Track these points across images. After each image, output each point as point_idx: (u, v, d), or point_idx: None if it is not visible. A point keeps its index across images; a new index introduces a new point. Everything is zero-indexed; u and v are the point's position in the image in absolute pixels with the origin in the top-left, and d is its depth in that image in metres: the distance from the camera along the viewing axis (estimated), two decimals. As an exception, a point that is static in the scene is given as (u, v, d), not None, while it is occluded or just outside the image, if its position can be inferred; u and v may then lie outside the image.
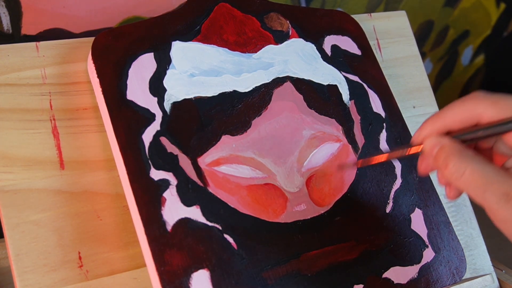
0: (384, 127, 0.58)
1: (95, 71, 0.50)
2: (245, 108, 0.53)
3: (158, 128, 0.49)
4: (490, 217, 0.39)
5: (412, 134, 0.59)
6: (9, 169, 0.48)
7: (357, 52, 0.61)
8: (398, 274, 0.52)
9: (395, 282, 0.52)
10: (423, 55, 0.96)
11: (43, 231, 0.47)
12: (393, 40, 0.66)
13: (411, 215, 0.55)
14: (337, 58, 0.59)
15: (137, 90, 0.50)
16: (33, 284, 0.46)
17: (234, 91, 0.53)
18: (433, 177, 0.59)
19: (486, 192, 0.38)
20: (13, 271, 0.46)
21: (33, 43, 0.51)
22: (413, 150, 0.44)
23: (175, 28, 0.54)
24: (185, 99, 0.51)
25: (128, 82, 0.50)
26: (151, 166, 0.48)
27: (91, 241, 0.48)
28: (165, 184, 0.48)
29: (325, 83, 0.57)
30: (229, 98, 0.53)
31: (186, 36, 0.54)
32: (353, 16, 0.63)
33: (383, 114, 0.58)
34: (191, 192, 0.48)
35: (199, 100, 0.52)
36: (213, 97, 0.52)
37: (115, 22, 0.64)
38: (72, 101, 0.51)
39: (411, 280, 0.53)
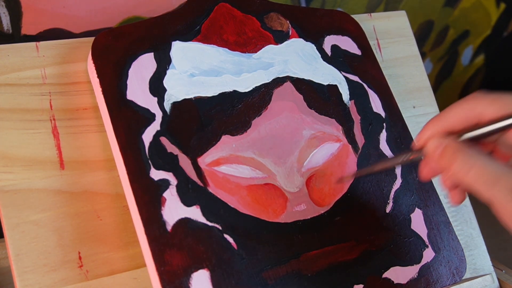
0: (384, 127, 0.58)
1: (95, 71, 0.50)
2: (245, 108, 0.53)
3: (158, 128, 0.49)
4: (498, 214, 0.38)
5: (412, 134, 0.59)
6: (9, 169, 0.48)
7: (357, 52, 0.61)
8: (398, 274, 0.52)
9: (395, 282, 0.52)
10: (423, 55, 0.96)
11: (43, 231, 0.47)
12: (393, 40, 0.66)
13: (411, 215, 0.55)
14: (337, 58, 0.59)
15: (137, 90, 0.50)
16: (33, 284, 0.46)
17: (234, 91, 0.53)
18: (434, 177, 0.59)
19: (495, 187, 0.38)
20: (13, 271, 0.46)
21: (33, 43, 0.51)
22: (414, 155, 0.44)
23: (175, 28, 0.54)
24: (185, 99, 0.51)
25: (128, 82, 0.50)
26: (151, 166, 0.48)
27: (91, 241, 0.48)
28: (165, 184, 0.48)
29: (325, 83, 0.57)
30: (229, 98, 0.53)
31: (186, 36, 0.54)
32: (353, 16, 0.63)
33: (383, 114, 0.59)
34: (191, 192, 0.48)
35: (199, 100, 0.52)
36: (213, 97, 0.52)
37: (115, 22, 0.64)
38: (72, 101, 0.51)
39: (411, 280, 0.53)
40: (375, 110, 0.58)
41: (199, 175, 0.49)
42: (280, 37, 0.57)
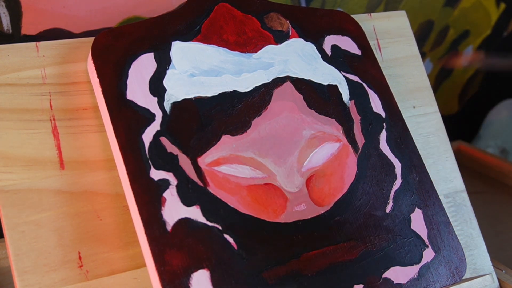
0: (384, 127, 0.58)
1: (95, 71, 0.50)
2: (245, 108, 0.53)
3: (158, 128, 0.49)
4: None
5: (412, 134, 0.59)
6: (9, 169, 0.48)
7: (357, 52, 0.61)
8: (398, 274, 0.52)
9: (395, 282, 0.52)
10: (423, 55, 0.96)
11: (43, 231, 0.47)
12: (393, 40, 0.66)
13: (411, 215, 0.55)
14: (337, 58, 0.59)
15: (137, 90, 0.50)
16: (33, 284, 0.46)
17: (234, 91, 0.53)
18: (433, 177, 0.59)
19: None
20: (13, 271, 0.46)
21: (33, 43, 0.51)
22: None
23: (175, 28, 0.54)
24: (185, 99, 0.51)
25: (128, 82, 0.50)
26: (151, 166, 0.48)
27: (91, 241, 0.48)
28: (165, 184, 0.48)
29: (325, 83, 0.57)
30: (229, 98, 0.53)
31: (186, 36, 0.54)
32: (353, 16, 0.63)
33: (383, 114, 0.58)
34: (191, 192, 0.48)
35: (199, 100, 0.52)
36: (213, 97, 0.52)
37: (115, 22, 0.64)
38: (72, 101, 0.51)
39: (411, 280, 0.53)
40: (375, 110, 0.58)
41: (199, 175, 0.49)
42: (280, 37, 0.57)
